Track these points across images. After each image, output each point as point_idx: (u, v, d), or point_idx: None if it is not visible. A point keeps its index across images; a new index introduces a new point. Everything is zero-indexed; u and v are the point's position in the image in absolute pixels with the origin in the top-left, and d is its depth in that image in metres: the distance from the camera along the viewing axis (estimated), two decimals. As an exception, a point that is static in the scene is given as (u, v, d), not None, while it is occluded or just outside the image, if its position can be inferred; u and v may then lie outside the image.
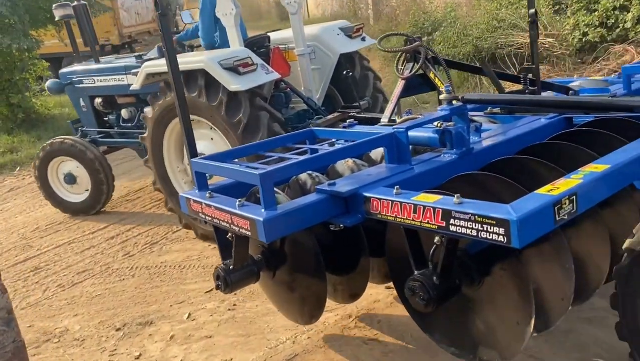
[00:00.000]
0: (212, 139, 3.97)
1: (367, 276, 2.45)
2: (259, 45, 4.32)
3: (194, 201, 2.37)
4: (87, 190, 5.15)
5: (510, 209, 1.61)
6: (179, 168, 4.35)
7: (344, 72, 4.31)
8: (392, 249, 2.28)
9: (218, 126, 3.78)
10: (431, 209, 1.78)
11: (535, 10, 3.00)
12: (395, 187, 1.97)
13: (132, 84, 4.52)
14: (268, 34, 4.61)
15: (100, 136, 5.32)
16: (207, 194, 2.33)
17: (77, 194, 5.25)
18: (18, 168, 7.38)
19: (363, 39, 4.61)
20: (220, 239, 2.45)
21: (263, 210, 2.00)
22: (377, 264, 2.57)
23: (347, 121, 3.05)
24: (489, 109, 2.90)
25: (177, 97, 2.51)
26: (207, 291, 3.44)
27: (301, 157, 2.29)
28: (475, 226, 1.66)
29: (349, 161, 2.53)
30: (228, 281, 2.32)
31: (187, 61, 3.66)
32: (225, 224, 2.18)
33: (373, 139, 2.38)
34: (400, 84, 3.48)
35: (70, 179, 5.15)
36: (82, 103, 5.38)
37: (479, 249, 1.93)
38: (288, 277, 2.48)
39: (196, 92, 3.70)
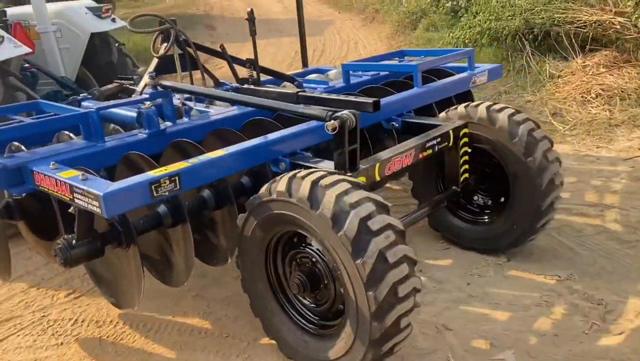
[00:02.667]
0: None
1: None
2: None
3: None
4: None
5: (104, 187, 2.05)
6: None
7: (119, 46, 4.50)
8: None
9: None
10: (65, 184, 2.18)
11: None
12: (52, 162, 2.34)
13: None
14: (3, 9, 4.57)
15: None
16: None
17: None
18: None
19: (113, 20, 4.84)
20: None
21: None
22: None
23: (81, 96, 3.34)
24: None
25: None
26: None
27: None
28: (85, 199, 2.09)
29: (64, 133, 2.84)
30: None
31: None
32: None
33: (68, 117, 2.73)
34: (154, 62, 3.82)
35: None
36: None
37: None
38: None
39: None
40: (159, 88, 2.97)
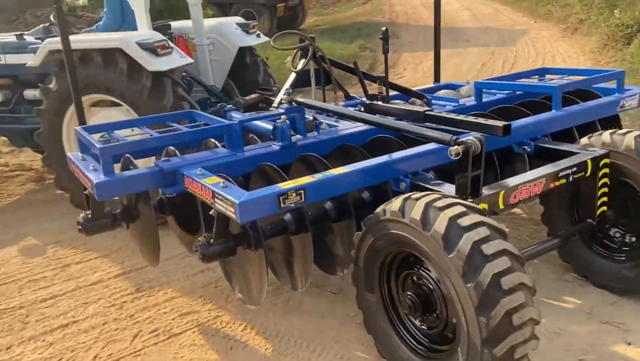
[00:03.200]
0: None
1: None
2: (162, 32, 4.66)
3: (72, 162, 3.08)
4: None
5: (240, 195, 2.29)
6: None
7: (262, 58, 4.91)
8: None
9: (137, 110, 4.10)
10: (208, 189, 2.48)
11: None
12: (199, 169, 2.67)
13: (10, 64, 4.87)
14: (168, 22, 5.09)
15: None
16: (80, 157, 3.06)
17: None
18: None
19: (258, 36, 5.23)
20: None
21: (102, 175, 2.72)
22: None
23: (227, 107, 3.73)
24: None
25: (69, 73, 3.20)
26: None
27: (139, 137, 2.99)
28: (223, 204, 2.36)
29: (211, 141, 3.22)
30: (86, 225, 3.05)
31: (103, 39, 4.15)
32: (83, 182, 2.92)
33: (215, 127, 3.08)
34: (292, 76, 4.10)
35: None
36: None
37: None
38: (139, 228, 3.18)
39: (116, 75, 4.03)
40: (294, 104, 3.23)
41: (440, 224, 2.07)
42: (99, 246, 4.12)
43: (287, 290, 3.21)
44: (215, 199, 2.41)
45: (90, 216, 3.06)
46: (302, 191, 2.38)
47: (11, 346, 3.08)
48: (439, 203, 2.14)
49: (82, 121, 3.28)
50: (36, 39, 5.07)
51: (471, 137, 2.37)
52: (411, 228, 2.17)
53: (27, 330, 3.21)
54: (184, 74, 4.79)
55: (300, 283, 2.81)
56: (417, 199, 2.19)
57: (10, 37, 5.21)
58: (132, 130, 3.46)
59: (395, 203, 2.25)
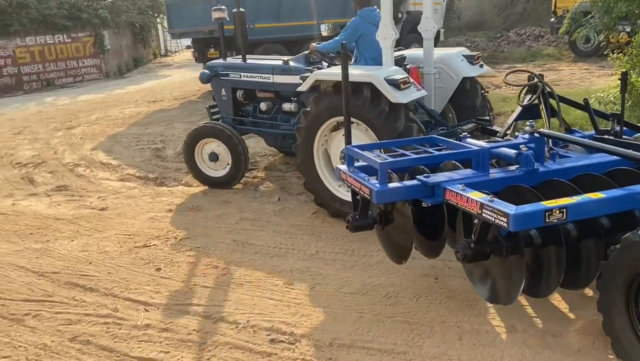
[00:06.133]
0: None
1: (443, 244, 3.78)
2: (399, 64, 5.50)
3: (343, 172, 3.95)
4: (229, 164, 6.51)
5: (513, 208, 2.90)
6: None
7: (483, 92, 5.54)
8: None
9: (374, 130, 4.97)
10: (475, 201, 3.13)
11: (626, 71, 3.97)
12: (462, 185, 3.34)
13: (276, 82, 6.30)
14: (404, 54, 5.90)
15: (236, 122, 6.82)
16: (351, 169, 3.94)
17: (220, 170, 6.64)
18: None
19: (481, 66, 5.87)
20: (353, 198, 4.02)
21: (378, 184, 3.54)
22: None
23: (462, 134, 4.39)
24: None
25: (344, 97, 4.10)
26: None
27: (412, 155, 3.76)
28: (493, 215, 2.98)
29: (451, 163, 3.90)
30: (353, 225, 3.91)
31: (357, 74, 4.89)
32: (357, 189, 3.77)
33: (466, 152, 3.75)
34: (518, 110, 4.65)
35: (214, 157, 6.55)
36: (223, 93, 6.91)
37: (507, 232, 3.22)
38: (391, 232, 3.97)
39: (361, 101, 4.90)
40: (536, 135, 3.77)
41: None
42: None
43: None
44: (484, 210, 3.05)
45: (357, 216, 3.91)
46: (564, 210, 2.90)
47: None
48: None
49: (349, 140, 4.17)
50: (297, 65, 6.36)
51: None
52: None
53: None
54: None
55: (547, 291, 3.33)
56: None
57: (278, 62, 6.55)
58: (381, 150, 4.32)
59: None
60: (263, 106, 6.73)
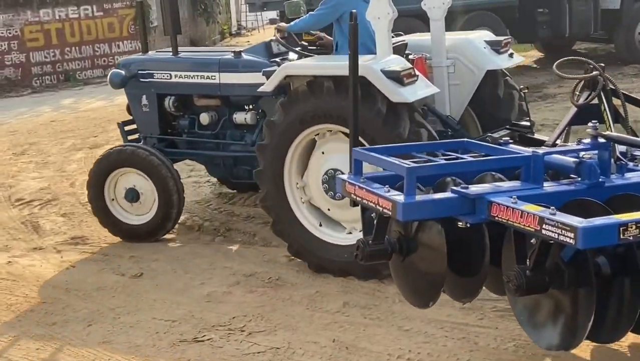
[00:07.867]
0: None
1: (483, 279, 3.04)
2: (399, 53, 4.24)
3: (349, 183, 3.20)
4: (155, 206, 4.79)
5: (581, 220, 2.25)
6: (299, 185, 4.32)
7: (519, 89, 4.43)
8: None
9: (366, 138, 3.85)
10: (533, 216, 2.47)
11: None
12: (513, 197, 2.67)
13: (224, 83, 4.67)
14: (405, 40, 4.60)
15: (164, 144, 5.04)
16: (361, 179, 3.24)
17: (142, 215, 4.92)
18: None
19: (511, 55, 4.57)
20: (364, 218, 3.30)
21: (404, 196, 2.86)
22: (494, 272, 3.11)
23: (503, 139, 3.71)
24: None
25: (353, 95, 3.42)
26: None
27: (442, 161, 3.09)
28: (557, 230, 2.32)
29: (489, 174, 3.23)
30: (365, 252, 3.12)
31: (342, 65, 3.72)
32: (371, 204, 3.04)
33: (513, 158, 3.10)
34: (572, 111, 3.79)
35: (133, 195, 4.84)
36: (144, 102, 5.09)
37: (570, 256, 2.54)
38: (415, 263, 3.16)
39: (348, 100, 3.64)
40: (600, 139, 3.09)
41: None
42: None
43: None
44: (544, 226, 2.39)
45: (371, 241, 3.14)
46: (641, 225, 2.26)
47: None
48: None
49: (356, 143, 3.49)
50: (253, 57, 4.87)
51: None
52: None
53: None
54: None
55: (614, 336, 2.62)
56: None
57: (227, 55, 5.01)
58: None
59: None
60: (204, 118, 4.98)
